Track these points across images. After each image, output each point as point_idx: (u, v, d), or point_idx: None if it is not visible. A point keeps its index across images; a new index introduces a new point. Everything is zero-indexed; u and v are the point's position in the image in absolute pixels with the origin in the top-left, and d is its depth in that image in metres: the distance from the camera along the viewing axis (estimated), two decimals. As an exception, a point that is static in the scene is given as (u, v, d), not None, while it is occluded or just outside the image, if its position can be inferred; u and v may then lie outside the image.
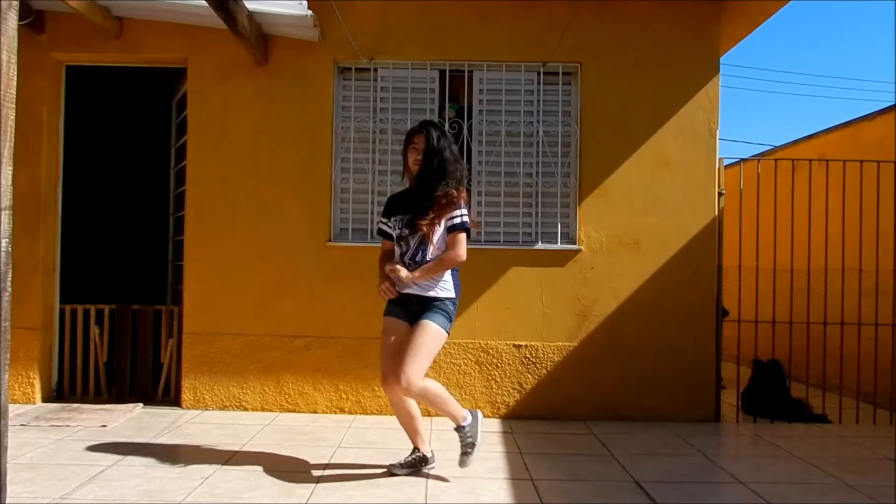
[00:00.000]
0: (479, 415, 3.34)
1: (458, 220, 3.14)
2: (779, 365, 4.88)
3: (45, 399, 4.75)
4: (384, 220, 3.35)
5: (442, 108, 4.76)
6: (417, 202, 3.19)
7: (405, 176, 3.39)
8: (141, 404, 4.70)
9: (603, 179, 4.67)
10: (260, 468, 3.36)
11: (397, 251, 3.26)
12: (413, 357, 3.04)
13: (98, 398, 4.82)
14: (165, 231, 5.61)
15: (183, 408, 4.64)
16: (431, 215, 3.12)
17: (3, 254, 1.69)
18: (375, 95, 4.74)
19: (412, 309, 3.20)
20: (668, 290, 4.62)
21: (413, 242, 3.17)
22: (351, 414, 4.61)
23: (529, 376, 4.61)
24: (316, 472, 3.31)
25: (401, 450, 3.69)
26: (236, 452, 3.63)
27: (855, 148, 5.51)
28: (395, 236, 3.27)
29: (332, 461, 3.51)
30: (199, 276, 4.67)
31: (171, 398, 4.80)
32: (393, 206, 3.34)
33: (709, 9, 4.68)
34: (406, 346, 3.08)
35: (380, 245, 3.42)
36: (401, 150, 3.42)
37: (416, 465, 3.33)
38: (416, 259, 3.16)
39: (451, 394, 4.59)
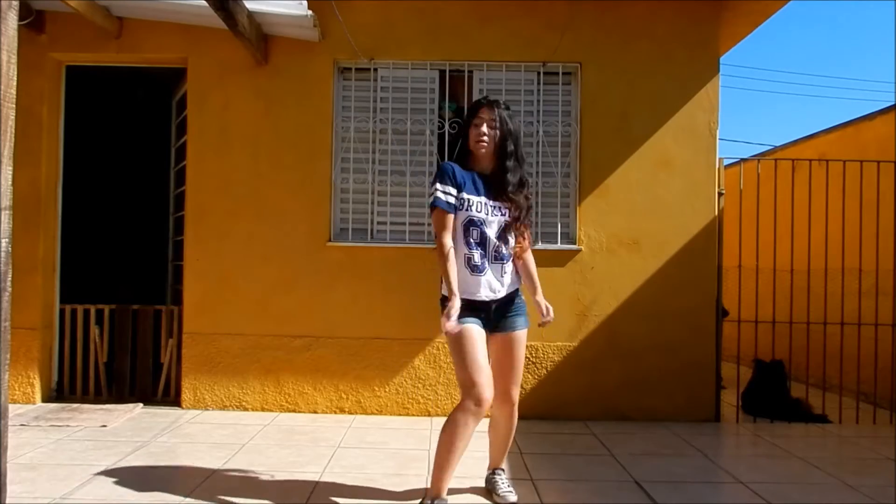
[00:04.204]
0: None
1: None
2: (781, 365, 4.88)
3: (45, 399, 4.75)
4: (450, 190, 2.73)
5: (441, 108, 4.76)
6: (499, 189, 2.79)
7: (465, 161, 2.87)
8: (141, 404, 4.70)
9: (603, 179, 4.67)
10: (260, 468, 3.36)
11: (461, 237, 2.75)
12: (520, 376, 2.90)
13: (98, 398, 4.82)
14: (165, 231, 5.62)
15: (183, 408, 4.64)
16: (524, 218, 2.83)
17: (3, 254, 1.69)
18: (375, 95, 4.74)
19: (489, 315, 2.80)
20: (668, 290, 4.62)
21: (497, 231, 2.78)
22: (351, 414, 4.61)
23: (529, 376, 4.61)
24: (316, 473, 3.31)
25: (401, 449, 3.70)
26: (236, 452, 3.63)
27: (855, 148, 5.51)
28: (463, 218, 2.74)
29: (332, 461, 3.51)
30: (199, 276, 4.67)
31: (171, 398, 4.80)
32: (462, 179, 2.78)
33: (709, 9, 4.68)
34: (515, 364, 2.84)
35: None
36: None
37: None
38: (500, 251, 2.78)
39: (451, 394, 4.61)
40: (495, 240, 2.78)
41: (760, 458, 3.85)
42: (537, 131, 4.73)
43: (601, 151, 4.67)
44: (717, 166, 4.68)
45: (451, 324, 2.58)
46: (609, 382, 4.60)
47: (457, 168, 2.80)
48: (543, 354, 4.62)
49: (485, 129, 2.78)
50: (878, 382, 4.92)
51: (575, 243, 4.68)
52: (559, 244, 4.68)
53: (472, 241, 2.76)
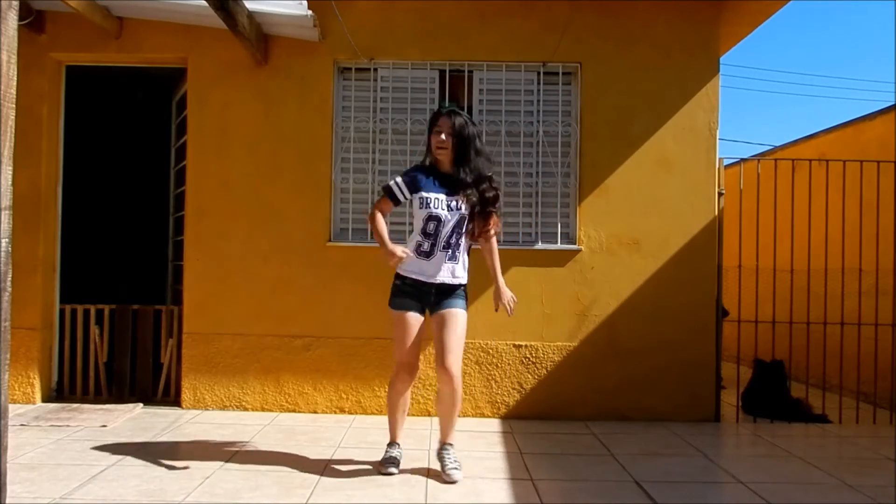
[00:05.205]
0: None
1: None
2: (781, 365, 4.88)
3: (45, 399, 4.75)
4: (402, 187, 3.25)
5: (441, 107, 4.75)
6: (460, 186, 3.22)
7: (429, 160, 3.36)
8: (141, 404, 4.70)
9: (603, 179, 4.67)
10: (260, 468, 3.36)
11: (420, 226, 3.22)
12: (460, 348, 3.25)
13: (98, 398, 4.82)
14: (165, 231, 5.62)
15: (183, 408, 4.64)
16: (487, 212, 3.27)
17: (3, 254, 1.69)
18: (375, 95, 4.74)
19: (429, 298, 3.27)
20: (668, 290, 4.62)
21: (450, 225, 3.21)
22: (351, 414, 4.61)
23: (529, 376, 4.61)
24: (316, 472, 3.31)
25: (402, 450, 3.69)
26: (236, 452, 3.63)
27: (855, 148, 5.51)
28: (424, 214, 3.21)
29: (332, 461, 3.51)
30: (199, 276, 4.67)
31: (171, 398, 4.79)
32: (422, 180, 3.25)
33: (709, 9, 4.68)
34: (450, 336, 3.20)
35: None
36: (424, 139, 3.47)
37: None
38: (450, 241, 3.23)
39: (451, 394, 4.61)
40: (449, 231, 3.21)
41: (760, 458, 3.85)
42: (537, 131, 4.73)
43: (601, 151, 4.67)
44: (717, 166, 4.68)
45: (398, 251, 3.12)
46: (609, 382, 4.60)
47: (421, 174, 3.28)
48: (543, 354, 4.62)
49: (443, 137, 3.22)
50: (878, 382, 4.92)
51: (575, 243, 4.68)
52: (559, 244, 4.68)
53: (427, 232, 3.22)
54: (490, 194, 3.27)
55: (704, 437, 4.20)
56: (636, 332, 4.61)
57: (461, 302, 3.30)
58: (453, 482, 3.16)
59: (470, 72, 4.74)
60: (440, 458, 3.31)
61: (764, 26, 4.96)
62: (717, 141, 4.69)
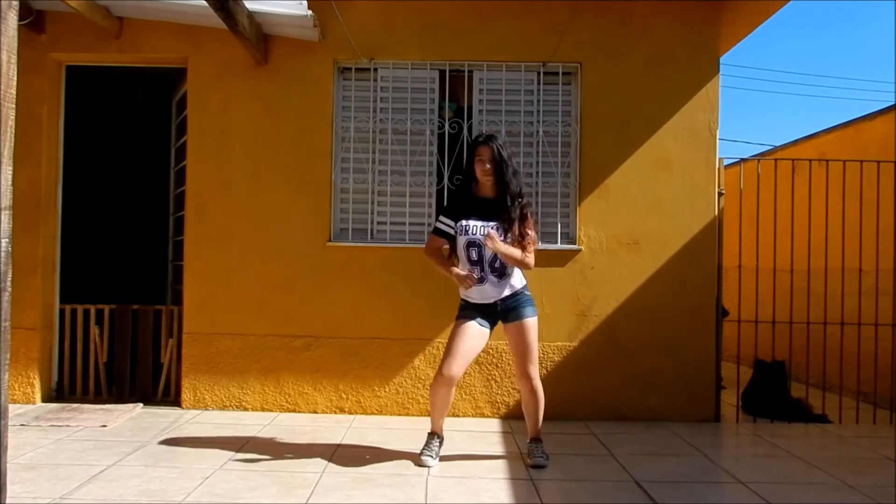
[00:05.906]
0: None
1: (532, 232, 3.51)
2: (782, 366, 4.87)
3: (45, 399, 4.75)
4: (446, 220, 3.50)
5: (441, 108, 4.76)
6: (496, 211, 3.42)
7: (473, 187, 3.55)
8: (141, 404, 4.70)
9: (603, 179, 4.67)
10: (260, 468, 3.36)
11: (464, 255, 3.44)
12: (535, 356, 3.48)
13: (98, 398, 4.82)
14: (165, 231, 5.62)
15: (183, 408, 4.64)
16: (518, 227, 3.41)
17: (3, 254, 1.69)
18: (375, 95, 4.74)
19: (496, 313, 3.46)
20: (668, 290, 4.62)
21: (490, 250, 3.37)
22: (351, 414, 4.61)
23: (529, 376, 4.60)
24: (316, 472, 3.31)
25: (401, 450, 3.70)
26: (236, 452, 3.62)
27: (855, 148, 5.51)
28: (463, 241, 3.42)
29: (332, 461, 3.51)
30: (199, 275, 4.67)
31: (171, 398, 4.79)
32: (461, 210, 3.48)
33: (709, 9, 4.68)
34: (523, 345, 3.43)
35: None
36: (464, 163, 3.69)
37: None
38: (496, 266, 3.40)
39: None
40: (491, 255, 3.38)
41: (760, 458, 3.85)
42: (537, 131, 4.72)
43: (601, 151, 4.67)
44: (717, 166, 4.68)
45: (463, 271, 3.39)
46: (609, 382, 4.60)
47: (460, 202, 3.54)
48: (543, 354, 4.61)
49: (487, 165, 3.43)
50: (878, 382, 4.91)
51: (575, 243, 4.68)
52: (559, 244, 4.68)
53: (472, 259, 3.42)
54: (528, 206, 3.51)
55: (704, 437, 4.20)
56: (636, 332, 4.61)
57: (530, 310, 3.47)
58: (541, 466, 3.43)
59: (470, 72, 4.74)
60: (528, 449, 3.56)
61: (764, 26, 4.95)
62: (717, 141, 4.69)
